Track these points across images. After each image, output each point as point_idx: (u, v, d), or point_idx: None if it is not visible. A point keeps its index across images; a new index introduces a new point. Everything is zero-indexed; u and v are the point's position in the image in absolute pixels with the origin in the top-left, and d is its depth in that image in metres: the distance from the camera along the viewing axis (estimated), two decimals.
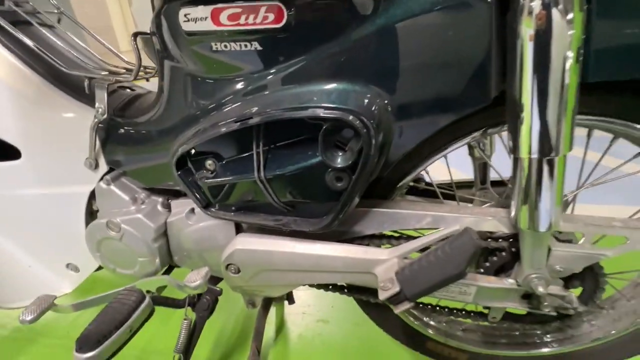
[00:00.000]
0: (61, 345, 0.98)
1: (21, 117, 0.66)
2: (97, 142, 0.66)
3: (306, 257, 0.59)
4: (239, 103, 0.53)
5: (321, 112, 0.46)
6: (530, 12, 0.38)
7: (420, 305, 0.72)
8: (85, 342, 0.54)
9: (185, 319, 0.70)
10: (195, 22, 0.48)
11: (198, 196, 0.62)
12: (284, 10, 0.45)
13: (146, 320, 0.63)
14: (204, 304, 0.72)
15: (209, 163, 0.58)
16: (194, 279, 0.59)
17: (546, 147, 0.44)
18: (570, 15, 0.37)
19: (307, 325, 1.01)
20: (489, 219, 0.57)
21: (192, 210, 0.67)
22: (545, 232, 0.51)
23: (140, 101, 0.70)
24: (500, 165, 0.69)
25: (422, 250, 0.58)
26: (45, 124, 0.67)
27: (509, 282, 0.59)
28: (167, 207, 0.70)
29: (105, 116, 0.63)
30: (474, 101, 0.47)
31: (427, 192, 0.78)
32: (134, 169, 0.68)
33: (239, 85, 0.53)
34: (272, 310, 1.06)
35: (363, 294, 0.69)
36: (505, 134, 0.51)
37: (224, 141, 0.56)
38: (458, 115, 0.48)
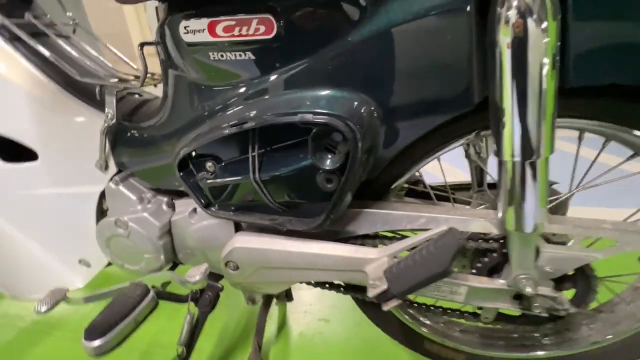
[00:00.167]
0: (73, 338, 1.04)
1: (38, 122, 0.71)
2: (107, 145, 0.70)
3: (300, 256, 0.61)
4: (235, 108, 0.56)
5: (310, 117, 0.48)
6: (507, 22, 0.40)
7: (416, 305, 0.73)
8: (92, 332, 0.58)
9: (188, 314, 0.74)
10: (194, 33, 0.51)
11: (199, 196, 0.65)
12: (274, 22, 0.48)
13: (150, 312, 0.66)
14: (205, 299, 0.75)
15: (208, 165, 0.61)
16: (194, 275, 0.62)
17: (528, 150, 0.45)
18: (544, 24, 0.39)
19: (309, 323, 1.04)
20: (479, 220, 0.58)
21: (195, 209, 0.70)
22: (531, 233, 0.52)
23: (147, 106, 0.74)
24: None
25: (412, 249, 0.60)
26: (60, 128, 0.72)
27: (499, 282, 0.60)
28: (172, 206, 0.74)
29: (114, 121, 0.68)
30: (457, 106, 0.49)
31: (426, 194, 0.79)
32: (141, 170, 0.72)
33: (235, 92, 0.56)
34: (276, 309, 1.09)
35: (358, 293, 0.71)
36: None
37: (222, 144, 0.59)
38: (442, 120, 0.50)
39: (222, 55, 0.52)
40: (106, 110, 0.67)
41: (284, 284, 0.72)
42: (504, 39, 0.41)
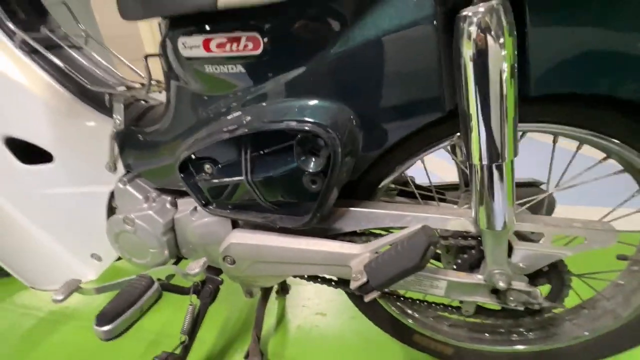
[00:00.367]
0: (87, 327, 1.12)
1: (54, 127, 0.77)
2: (116, 148, 0.76)
3: (291, 251, 0.66)
4: (230, 116, 0.61)
5: (295, 125, 0.53)
6: (469, 37, 0.44)
7: (402, 298, 0.78)
8: (103, 318, 0.64)
9: (190, 305, 0.80)
10: (191, 49, 0.57)
11: (199, 196, 0.70)
12: (260, 39, 0.53)
13: (155, 302, 0.72)
14: (206, 291, 0.81)
15: (207, 167, 0.67)
16: (194, 268, 0.67)
17: (494, 154, 0.49)
18: (501, 40, 0.43)
19: (306, 317, 1.09)
20: (458, 219, 0.62)
21: (195, 208, 0.76)
22: (502, 231, 0.55)
23: (152, 112, 0.80)
24: None
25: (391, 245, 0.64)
26: (73, 133, 0.78)
27: (477, 277, 0.64)
28: (175, 205, 0.79)
29: (122, 126, 0.74)
30: (429, 113, 0.53)
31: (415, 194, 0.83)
32: (146, 171, 0.78)
33: (229, 101, 0.61)
34: (275, 303, 1.14)
35: (347, 286, 0.75)
36: None
37: (219, 148, 0.64)
38: (417, 126, 0.54)
39: (216, 69, 0.58)
40: (114, 116, 0.73)
41: (278, 278, 0.77)
42: (467, 52, 0.44)
